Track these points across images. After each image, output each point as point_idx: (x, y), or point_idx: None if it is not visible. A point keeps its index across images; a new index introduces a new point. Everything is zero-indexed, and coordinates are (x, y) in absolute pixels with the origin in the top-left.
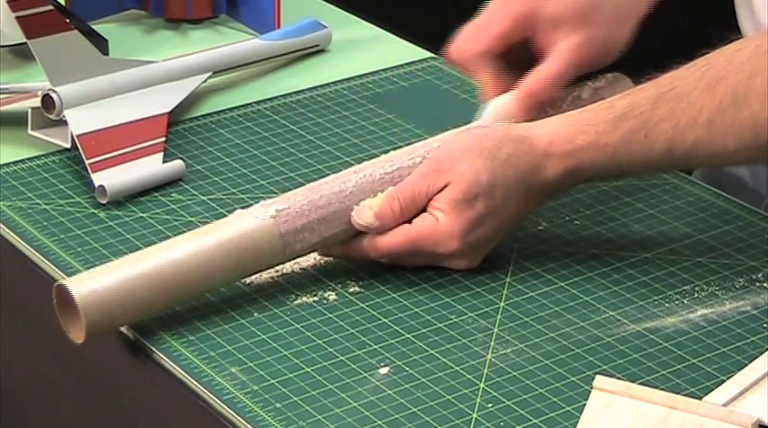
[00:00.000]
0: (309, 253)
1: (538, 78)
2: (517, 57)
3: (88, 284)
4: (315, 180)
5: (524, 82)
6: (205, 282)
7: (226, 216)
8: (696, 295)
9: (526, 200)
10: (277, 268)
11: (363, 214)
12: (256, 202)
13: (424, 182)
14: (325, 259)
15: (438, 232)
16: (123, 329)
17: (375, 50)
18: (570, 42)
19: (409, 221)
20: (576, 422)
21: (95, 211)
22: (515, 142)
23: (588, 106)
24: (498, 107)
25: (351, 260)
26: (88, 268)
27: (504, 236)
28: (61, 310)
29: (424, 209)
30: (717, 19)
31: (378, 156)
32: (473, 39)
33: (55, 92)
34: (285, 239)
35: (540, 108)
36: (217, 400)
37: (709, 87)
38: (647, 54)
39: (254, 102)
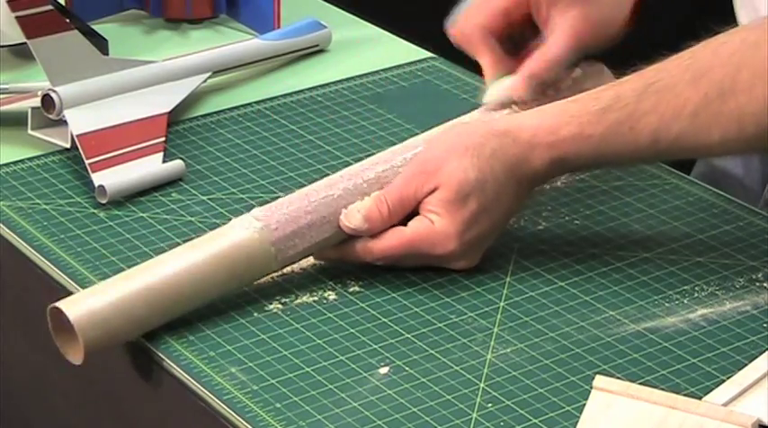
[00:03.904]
0: (302, 259)
1: (541, 59)
2: (513, 35)
3: (84, 305)
4: (315, 180)
5: (527, 63)
6: (199, 296)
7: (226, 216)
8: (696, 295)
9: (517, 193)
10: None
11: (352, 217)
12: (256, 202)
13: (411, 184)
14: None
15: (434, 234)
16: None
17: (375, 50)
18: (568, 21)
19: (403, 224)
20: (576, 422)
21: (95, 211)
22: (500, 136)
23: (572, 97)
24: (502, 88)
25: (346, 263)
26: (88, 268)
27: (500, 232)
28: (57, 332)
29: (414, 212)
30: (714, 13)
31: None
32: (474, 15)
33: (55, 92)
34: (277, 246)
35: (541, 89)
36: (217, 400)
37: (695, 79)
38: (642, 50)
39: (254, 102)
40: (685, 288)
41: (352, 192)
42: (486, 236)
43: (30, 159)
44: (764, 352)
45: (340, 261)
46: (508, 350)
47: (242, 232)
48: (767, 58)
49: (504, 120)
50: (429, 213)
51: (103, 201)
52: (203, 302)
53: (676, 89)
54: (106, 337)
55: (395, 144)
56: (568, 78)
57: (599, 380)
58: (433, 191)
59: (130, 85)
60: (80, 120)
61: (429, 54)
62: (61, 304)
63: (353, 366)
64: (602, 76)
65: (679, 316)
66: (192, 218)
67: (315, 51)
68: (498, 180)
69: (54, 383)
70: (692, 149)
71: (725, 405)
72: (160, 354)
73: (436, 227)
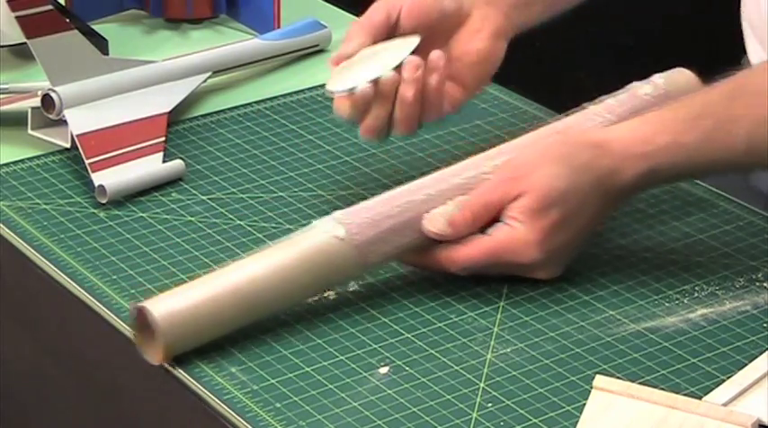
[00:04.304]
0: (386, 262)
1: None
2: None
3: (167, 304)
4: (315, 180)
5: None
6: (280, 299)
7: (226, 216)
8: (696, 295)
9: (603, 205)
10: None
11: (435, 221)
12: (256, 202)
13: (498, 190)
14: None
15: (516, 242)
16: (121, 329)
17: None
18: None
19: (483, 231)
20: (576, 422)
21: (95, 211)
22: (593, 148)
23: (661, 107)
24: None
25: (427, 269)
26: (88, 268)
27: (582, 242)
28: (139, 330)
29: (497, 219)
30: (714, 15)
31: (376, 155)
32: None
33: (55, 92)
34: (359, 250)
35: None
36: (217, 400)
37: None
38: (644, 50)
39: (254, 102)
40: (685, 288)
41: (435, 198)
42: (568, 246)
43: (30, 159)
44: (764, 352)
45: (421, 267)
46: (508, 349)
47: (324, 235)
48: None
49: (597, 131)
50: (511, 220)
51: (103, 201)
52: (284, 306)
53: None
54: (188, 337)
55: (394, 143)
56: (634, 92)
57: (599, 380)
58: (517, 198)
59: (130, 85)
60: (80, 120)
61: None
62: (146, 303)
63: (353, 366)
64: (688, 83)
65: (679, 316)
66: (192, 218)
67: (315, 51)
68: (584, 191)
69: (54, 382)
70: None
71: (725, 405)
72: None
73: (518, 234)
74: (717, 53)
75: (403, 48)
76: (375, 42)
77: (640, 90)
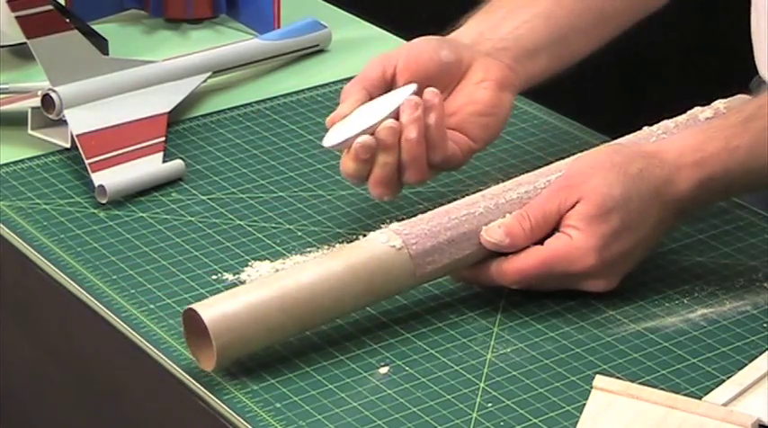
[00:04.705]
0: (441, 276)
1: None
2: None
3: (218, 308)
4: (315, 179)
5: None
6: (336, 307)
7: (226, 216)
8: (696, 295)
9: (662, 217)
10: (276, 267)
11: (493, 232)
12: (256, 202)
13: (554, 199)
14: None
15: (573, 249)
16: (121, 329)
17: (375, 50)
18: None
19: (541, 243)
20: (576, 422)
21: (95, 211)
22: (646, 157)
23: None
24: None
25: (481, 285)
26: (88, 268)
27: (642, 255)
28: (189, 336)
29: (555, 230)
30: (716, 25)
31: None
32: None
33: (55, 92)
34: (415, 261)
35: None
36: (217, 400)
37: None
38: (643, 62)
39: (254, 102)
40: (685, 288)
41: (493, 211)
42: (627, 257)
43: (30, 159)
44: (764, 352)
45: (474, 282)
46: (508, 350)
47: (381, 244)
48: None
49: (651, 143)
50: (568, 228)
51: (103, 201)
52: (339, 314)
53: None
54: (240, 343)
55: None
56: (692, 117)
57: (599, 380)
58: (575, 205)
59: (130, 85)
60: (80, 120)
61: None
62: (196, 306)
63: (353, 366)
64: None
65: (679, 316)
66: (192, 218)
67: (315, 51)
68: (643, 200)
69: (54, 382)
70: None
71: (725, 405)
72: (159, 354)
73: (575, 241)
74: (721, 65)
75: (399, 96)
76: (372, 99)
77: (701, 114)
